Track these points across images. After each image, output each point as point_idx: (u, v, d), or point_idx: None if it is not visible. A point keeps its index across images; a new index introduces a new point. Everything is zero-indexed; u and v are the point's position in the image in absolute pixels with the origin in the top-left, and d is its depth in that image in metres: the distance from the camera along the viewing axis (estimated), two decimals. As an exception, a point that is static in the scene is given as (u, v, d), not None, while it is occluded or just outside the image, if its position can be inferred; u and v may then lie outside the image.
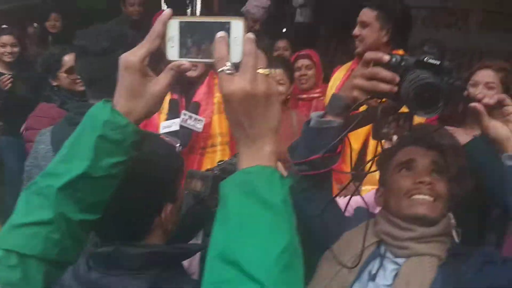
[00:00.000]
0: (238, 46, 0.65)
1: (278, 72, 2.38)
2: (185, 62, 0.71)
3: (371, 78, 0.90)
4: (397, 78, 0.89)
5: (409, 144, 1.14)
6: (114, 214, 0.80)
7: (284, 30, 5.34)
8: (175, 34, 0.70)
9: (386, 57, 0.90)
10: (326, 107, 1.03)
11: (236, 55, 0.64)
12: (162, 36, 0.71)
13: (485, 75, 1.86)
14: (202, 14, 5.24)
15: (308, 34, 7.51)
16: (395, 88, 0.89)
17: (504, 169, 1.00)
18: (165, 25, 0.71)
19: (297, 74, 2.94)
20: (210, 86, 2.29)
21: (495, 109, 0.99)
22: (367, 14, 2.08)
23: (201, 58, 0.70)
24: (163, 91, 0.74)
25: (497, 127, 0.98)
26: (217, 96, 2.29)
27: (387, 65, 0.90)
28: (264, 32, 3.76)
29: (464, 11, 5.07)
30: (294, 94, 2.84)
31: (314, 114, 1.01)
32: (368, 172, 1.05)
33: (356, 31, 2.10)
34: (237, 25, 0.66)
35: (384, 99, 0.94)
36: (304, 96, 3.07)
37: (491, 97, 0.99)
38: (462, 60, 4.89)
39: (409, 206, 1.06)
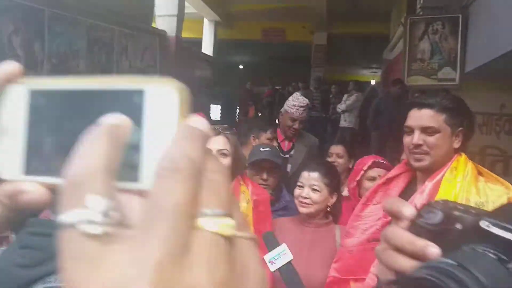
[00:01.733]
0: (152, 150, 0.24)
1: (314, 177, 2.00)
2: (31, 185, 0.27)
3: None
4: None
5: None
6: None
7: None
8: (18, 119, 0.28)
9: None
10: None
11: (145, 176, 0.24)
12: None
13: None
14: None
15: (352, 138, 7.38)
16: None
17: None
18: None
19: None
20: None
21: None
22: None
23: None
24: None
25: None
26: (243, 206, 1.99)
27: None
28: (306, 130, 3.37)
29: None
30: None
31: None
32: None
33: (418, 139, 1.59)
34: (162, 98, 0.25)
35: None
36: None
37: None
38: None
39: None
